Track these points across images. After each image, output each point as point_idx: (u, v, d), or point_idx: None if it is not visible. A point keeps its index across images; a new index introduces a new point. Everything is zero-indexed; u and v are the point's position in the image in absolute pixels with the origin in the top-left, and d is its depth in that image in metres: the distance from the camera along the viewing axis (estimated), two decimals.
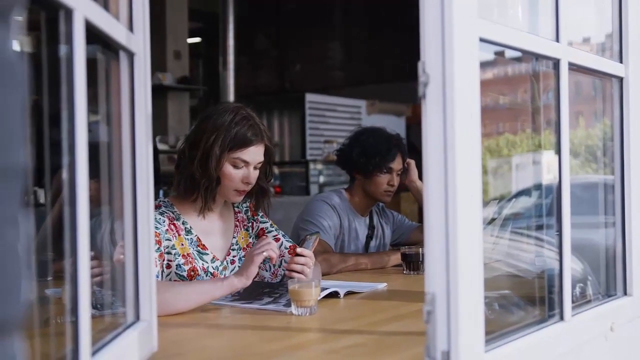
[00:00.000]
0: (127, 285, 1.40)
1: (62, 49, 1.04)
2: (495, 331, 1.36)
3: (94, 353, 1.11)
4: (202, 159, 2.22)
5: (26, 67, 0.61)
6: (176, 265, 2.21)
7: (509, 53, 1.58)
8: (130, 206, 1.40)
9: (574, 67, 1.62)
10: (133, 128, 1.39)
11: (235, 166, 2.24)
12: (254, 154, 2.26)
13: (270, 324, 1.84)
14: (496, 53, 1.51)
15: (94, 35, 1.14)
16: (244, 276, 2.01)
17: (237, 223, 2.44)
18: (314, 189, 7.50)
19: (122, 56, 1.37)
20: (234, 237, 2.40)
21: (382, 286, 2.42)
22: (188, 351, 1.63)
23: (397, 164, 3.09)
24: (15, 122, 0.58)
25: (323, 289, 2.09)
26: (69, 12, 1.02)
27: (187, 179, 2.26)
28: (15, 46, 0.60)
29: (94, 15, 1.11)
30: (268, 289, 2.19)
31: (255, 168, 2.28)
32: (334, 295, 2.17)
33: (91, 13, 1.09)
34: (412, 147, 4.82)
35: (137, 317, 1.41)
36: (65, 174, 1.04)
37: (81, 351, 1.03)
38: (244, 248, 2.41)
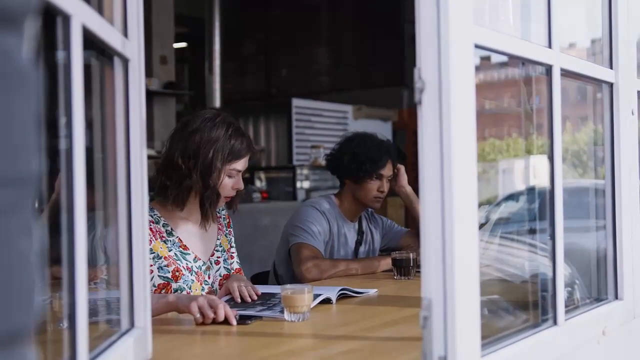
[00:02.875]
0: (122, 292, 1.39)
1: (59, 55, 1.04)
2: (490, 336, 1.37)
3: None
4: (203, 173, 2.27)
5: (39, 75, 0.61)
6: (158, 268, 2.24)
7: (495, 58, 1.59)
8: (125, 213, 1.39)
9: (565, 73, 1.63)
10: (127, 134, 1.39)
11: (230, 176, 2.33)
12: (245, 162, 2.37)
13: (263, 330, 1.83)
14: (482, 58, 1.52)
15: (89, 40, 1.13)
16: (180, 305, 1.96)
17: (220, 227, 2.51)
18: (300, 194, 7.49)
19: (117, 62, 1.36)
20: (218, 239, 2.47)
21: (373, 292, 2.42)
22: (182, 358, 1.62)
23: (387, 171, 3.09)
24: (29, 131, 0.58)
25: (316, 296, 2.09)
26: (66, 18, 1.01)
27: (185, 191, 2.30)
28: (28, 54, 0.60)
29: (91, 21, 1.11)
30: (260, 300, 2.18)
31: (242, 174, 2.39)
32: (326, 301, 2.17)
33: (88, 19, 1.09)
34: (399, 152, 4.82)
35: (132, 324, 1.40)
36: (62, 180, 1.03)
37: (79, 358, 1.03)
38: (227, 250, 2.49)
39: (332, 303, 2.17)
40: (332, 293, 2.20)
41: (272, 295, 2.24)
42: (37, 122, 0.60)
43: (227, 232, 2.55)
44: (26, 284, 0.57)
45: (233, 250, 2.57)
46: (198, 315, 1.87)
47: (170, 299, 1.99)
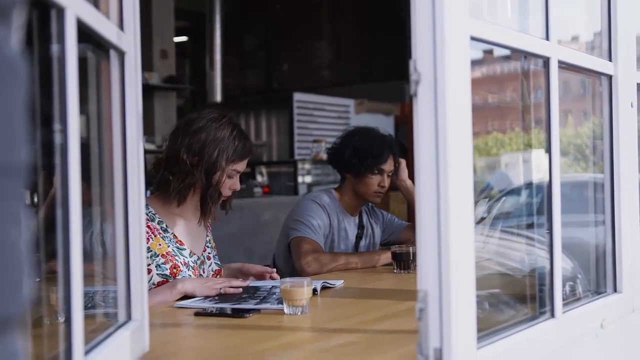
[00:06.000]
0: (119, 285, 1.40)
1: (54, 48, 1.04)
2: (487, 328, 1.37)
3: (86, 352, 1.11)
4: (207, 171, 2.32)
5: (27, 66, 0.61)
6: (156, 266, 2.27)
7: (498, 52, 1.59)
8: (122, 206, 1.39)
9: (563, 65, 1.63)
10: (124, 128, 1.39)
11: (230, 176, 2.38)
12: (245, 164, 2.43)
13: (261, 324, 1.84)
14: (485, 51, 1.51)
15: (84, 34, 1.13)
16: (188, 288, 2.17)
17: (208, 225, 2.56)
18: (302, 188, 7.50)
19: (113, 55, 1.36)
20: (207, 236, 2.53)
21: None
22: (179, 351, 1.62)
23: (388, 166, 3.09)
24: (18, 120, 0.58)
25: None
26: (60, 11, 1.01)
27: (188, 187, 2.34)
28: (16, 45, 0.60)
29: (86, 13, 1.11)
30: (246, 294, 2.18)
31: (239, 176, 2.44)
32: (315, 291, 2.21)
33: (83, 12, 1.09)
34: (401, 147, 4.84)
35: (129, 317, 1.40)
36: (57, 175, 1.03)
37: (74, 351, 1.03)
38: (214, 247, 2.56)
39: (317, 294, 2.19)
40: (316, 284, 2.23)
41: (257, 288, 2.25)
42: (25, 112, 0.61)
43: (211, 230, 2.61)
44: (15, 273, 0.57)
45: (213, 250, 2.61)
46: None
47: (180, 288, 2.15)
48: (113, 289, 1.43)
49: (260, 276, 2.48)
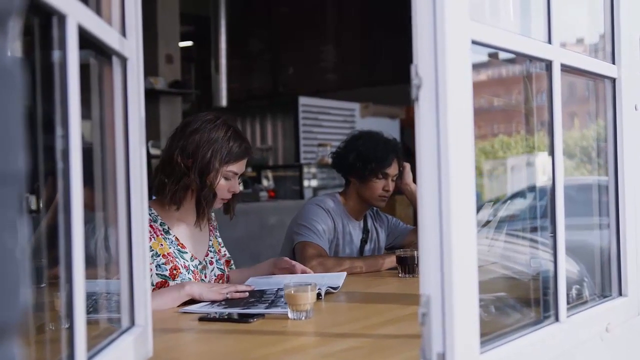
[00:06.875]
0: (122, 290, 1.40)
1: (55, 54, 1.04)
2: (490, 333, 1.36)
3: (89, 358, 1.11)
4: (200, 172, 2.31)
5: (23, 73, 0.62)
6: (156, 266, 2.28)
7: (503, 54, 1.58)
8: (125, 212, 1.40)
9: (566, 69, 1.63)
10: (126, 133, 1.39)
11: (226, 178, 2.37)
12: (242, 166, 2.41)
13: (266, 329, 1.84)
14: (490, 55, 1.51)
15: (86, 40, 1.14)
16: (196, 292, 2.15)
17: (211, 229, 2.56)
18: (307, 192, 7.49)
19: (115, 61, 1.37)
20: (210, 241, 2.53)
21: (342, 276, 2.47)
22: (183, 357, 1.62)
23: (393, 170, 3.09)
24: (15, 128, 0.58)
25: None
26: (62, 18, 1.02)
27: (183, 189, 2.34)
28: (13, 52, 0.60)
29: (87, 20, 1.11)
30: (253, 299, 2.18)
31: (239, 178, 2.43)
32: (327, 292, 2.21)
33: (84, 18, 1.09)
34: (406, 150, 4.83)
35: (132, 323, 1.40)
36: (59, 181, 1.04)
37: (77, 357, 1.03)
38: (217, 252, 2.55)
39: (321, 299, 2.19)
40: (322, 285, 2.24)
41: (264, 292, 2.25)
42: (23, 120, 0.61)
43: (216, 234, 2.61)
44: (11, 280, 0.57)
45: (224, 250, 2.61)
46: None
47: (188, 290, 2.14)
48: (116, 289, 1.43)
49: (291, 270, 2.52)
